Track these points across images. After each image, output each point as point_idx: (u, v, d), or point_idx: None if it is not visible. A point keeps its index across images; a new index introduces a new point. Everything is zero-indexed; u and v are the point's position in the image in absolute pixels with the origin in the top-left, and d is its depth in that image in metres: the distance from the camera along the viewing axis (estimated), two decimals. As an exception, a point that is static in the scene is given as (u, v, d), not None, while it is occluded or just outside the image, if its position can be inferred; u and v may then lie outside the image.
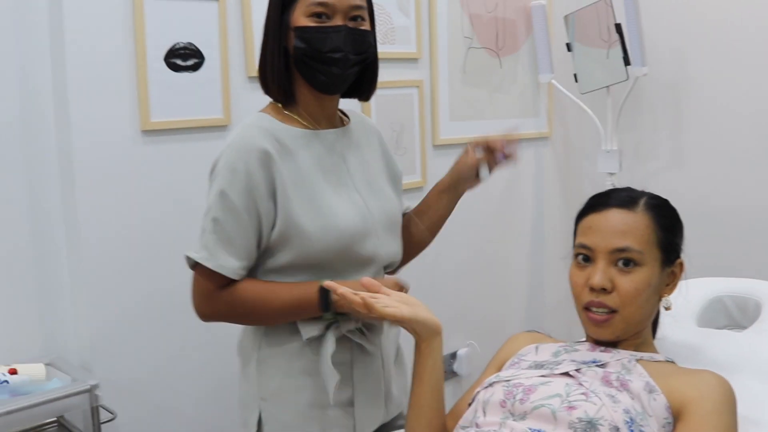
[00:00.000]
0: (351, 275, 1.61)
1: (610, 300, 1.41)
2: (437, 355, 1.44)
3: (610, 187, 3.03)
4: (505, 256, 3.31)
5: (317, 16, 1.55)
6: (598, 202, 1.50)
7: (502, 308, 3.30)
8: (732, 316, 1.89)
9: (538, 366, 1.44)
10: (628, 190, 1.53)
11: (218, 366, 2.33)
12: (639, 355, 1.44)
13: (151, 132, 2.17)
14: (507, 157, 1.74)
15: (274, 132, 1.57)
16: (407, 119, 2.82)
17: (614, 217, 1.45)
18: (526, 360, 1.49)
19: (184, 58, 2.19)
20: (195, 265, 1.57)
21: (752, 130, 2.98)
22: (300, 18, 1.55)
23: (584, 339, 1.56)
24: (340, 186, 1.63)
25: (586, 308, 1.45)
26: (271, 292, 1.57)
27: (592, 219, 1.48)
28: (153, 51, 2.14)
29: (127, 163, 2.15)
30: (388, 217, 1.69)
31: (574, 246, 1.51)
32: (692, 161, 3.17)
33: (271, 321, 1.62)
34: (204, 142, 2.26)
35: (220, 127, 2.29)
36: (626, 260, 1.41)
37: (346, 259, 1.60)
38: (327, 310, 1.54)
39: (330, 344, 1.59)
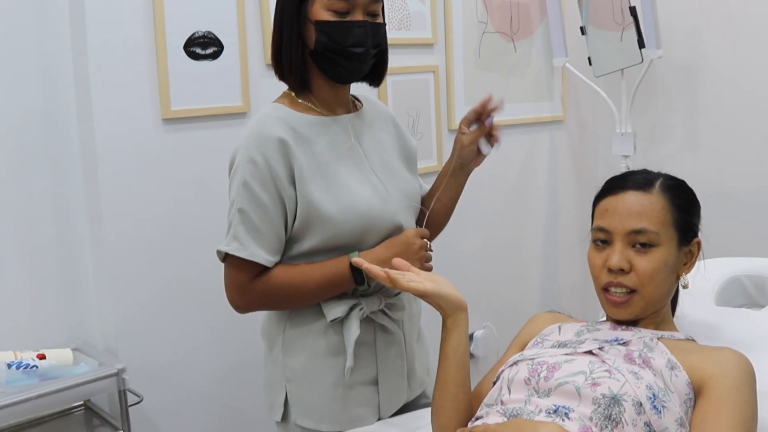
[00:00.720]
0: None
1: (629, 280, 1.43)
2: (462, 331, 1.46)
3: (625, 170, 3.06)
4: (520, 239, 3.33)
5: (337, 10, 1.57)
6: (615, 185, 1.52)
7: (517, 291, 3.33)
8: (750, 295, 1.91)
9: (562, 345, 1.46)
10: (644, 172, 1.54)
11: (242, 349, 2.37)
12: (660, 333, 1.46)
13: (171, 120, 2.20)
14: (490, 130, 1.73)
15: (289, 121, 1.60)
16: (423, 104, 2.84)
17: (630, 200, 1.46)
18: (550, 340, 1.51)
19: (203, 46, 2.22)
20: (225, 258, 1.60)
21: (765, 113, 2.98)
22: (320, 11, 1.57)
23: (604, 319, 1.58)
24: (357, 169, 1.65)
25: (605, 289, 1.47)
26: (304, 274, 1.60)
27: (609, 202, 1.49)
28: (173, 40, 2.16)
29: (148, 151, 2.18)
30: (407, 197, 1.72)
31: (592, 229, 1.53)
32: (707, 143, 3.18)
33: (308, 303, 1.64)
34: (224, 130, 2.29)
35: (239, 115, 2.31)
36: (643, 242, 1.43)
37: (369, 240, 1.63)
38: (362, 283, 1.58)
39: (354, 328, 1.62)
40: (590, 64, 3.11)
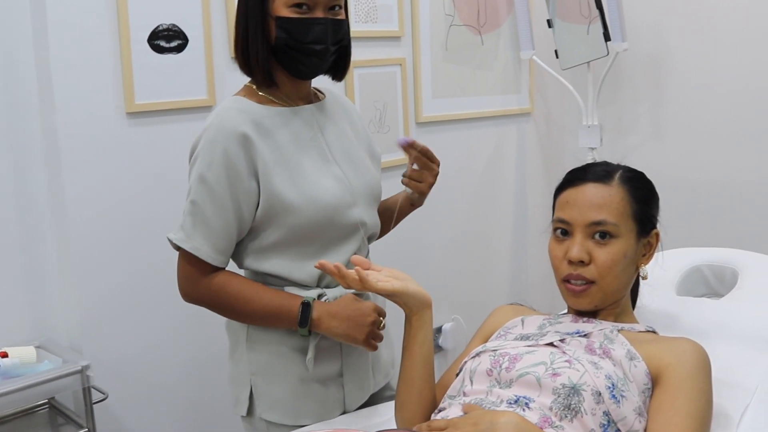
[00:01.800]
0: (338, 246, 1.65)
1: (588, 272, 1.45)
2: (428, 328, 1.48)
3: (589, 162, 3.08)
4: (489, 232, 3.34)
5: (298, 6, 1.56)
6: (575, 177, 1.54)
7: (486, 283, 3.34)
8: (710, 284, 1.94)
9: (524, 338, 1.48)
10: (604, 164, 1.56)
11: (208, 343, 2.36)
12: (620, 325, 1.48)
13: (136, 114, 2.19)
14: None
15: (250, 113, 1.59)
16: (390, 97, 2.84)
17: (590, 191, 1.48)
18: (512, 332, 1.53)
19: (167, 39, 2.20)
20: (179, 247, 1.60)
21: (730, 103, 3.02)
22: (281, 8, 1.56)
23: (566, 311, 1.60)
24: (320, 160, 1.65)
25: (565, 280, 1.49)
26: (254, 293, 1.60)
27: (569, 194, 1.51)
28: (136, 33, 2.14)
29: (112, 145, 2.16)
30: (369, 188, 1.72)
31: (553, 220, 1.55)
32: (672, 135, 3.21)
33: (248, 321, 1.65)
34: (189, 123, 2.27)
35: (204, 108, 2.30)
36: (602, 233, 1.45)
37: (332, 231, 1.63)
38: (305, 325, 1.57)
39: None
40: (557, 56, 3.13)
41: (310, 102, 1.71)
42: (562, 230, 1.50)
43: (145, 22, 2.16)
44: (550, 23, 3.12)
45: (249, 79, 1.68)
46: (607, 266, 1.44)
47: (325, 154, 1.67)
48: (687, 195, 3.13)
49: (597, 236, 1.45)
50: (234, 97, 1.64)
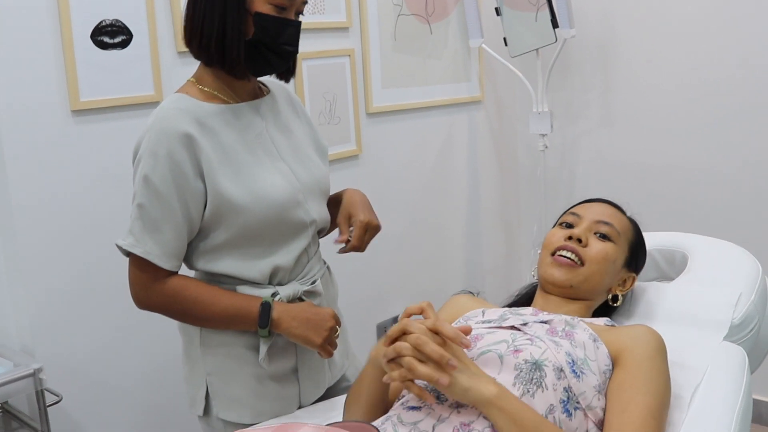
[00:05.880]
0: (288, 243, 1.64)
1: (582, 251, 1.56)
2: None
3: (543, 149, 3.12)
4: (442, 221, 3.36)
5: (279, 7, 1.55)
6: (592, 198, 1.72)
7: (440, 273, 3.36)
8: (660, 268, 1.96)
9: (486, 323, 1.49)
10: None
11: (164, 343, 2.33)
12: (580, 317, 1.52)
13: (81, 112, 2.15)
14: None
15: (193, 112, 1.55)
16: (340, 88, 2.83)
17: (604, 206, 1.67)
18: (473, 320, 1.54)
19: (111, 35, 2.17)
20: (128, 253, 1.57)
21: (678, 89, 3.06)
22: (260, 3, 1.54)
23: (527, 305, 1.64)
24: (266, 157, 1.63)
25: (555, 252, 1.57)
26: (212, 296, 1.58)
27: (584, 204, 1.69)
28: (79, 29, 2.10)
29: (57, 144, 2.12)
30: (317, 183, 1.71)
31: (562, 216, 1.68)
32: (621, 120, 3.25)
33: (207, 325, 1.63)
34: (136, 120, 2.24)
35: (151, 104, 2.26)
36: (604, 233, 1.59)
37: (281, 228, 1.62)
38: (265, 326, 1.56)
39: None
40: (506, 44, 3.14)
41: (255, 97, 1.69)
42: (568, 223, 1.63)
43: (88, 18, 2.12)
44: (498, 11, 3.13)
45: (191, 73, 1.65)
46: (600, 255, 1.56)
47: (272, 150, 1.65)
48: (636, 180, 3.17)
49: (599, 234, 1.59)
50: (175, 95, 1.61)
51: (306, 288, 1.67)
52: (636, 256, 1.66)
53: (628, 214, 1.70)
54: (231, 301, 1.58)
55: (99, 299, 2.23)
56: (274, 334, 1.60)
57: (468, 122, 3.40)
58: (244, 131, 1.62)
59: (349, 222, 1.73)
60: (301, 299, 1.66)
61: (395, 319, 3.15)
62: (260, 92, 1.72)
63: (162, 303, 1.59)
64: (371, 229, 1.73)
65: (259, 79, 1.71)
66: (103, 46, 2.16)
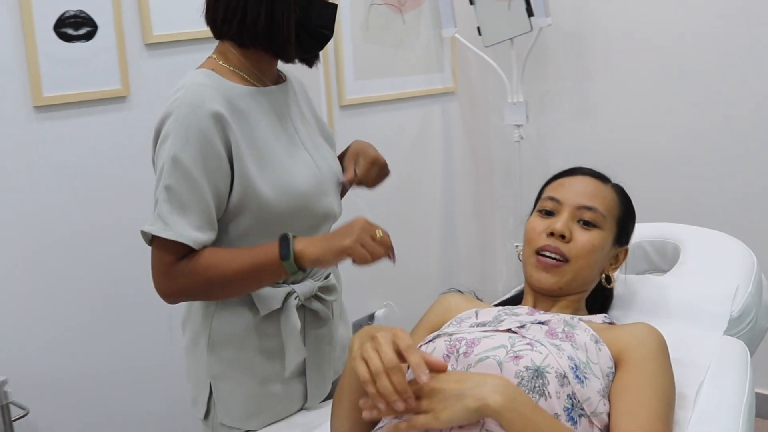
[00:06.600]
0: (307, 234, 1.54)
1: (566, 248, 1.46)
2: None
3: (519, 140, 3.07)
4: (416, 215, 3.30)
5: None
6: (572, 169, 1.59)
7: (416, 267, 3.29)
8: (652, 260, 1.92)
9: (480, 325, 1.43)
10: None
11: (131, 351, 2.28)
12: (579, 316, 1.46)
13: (44, 108, 2.06)
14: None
15: (224, 92, 1.47)
16: (312, 81, 2.73)
17: (586, 180, 1.54)
18: (467, 322, 1.47)
19: (75, 26, 2.07)
20: (152, 240, 1.46)
21: (654, 77, 3.03)
22: None
23: (521, 303, 1.57)
24: (291, 146, 1.57)
25: (538, 252, 1.47)
26: (231, 255, 1.47)
27: (564, 179, 1.56)
28: (41, 21, 2.01)
29: (19, 141, 2.03)
30: (333, 174, 1.66)
31: (540, 200, 1.57)
32: (598, 109, 3.22)
33: (235, 288, 1.50)
34: (103, 116, 2.16)
35: (118, 99, 2.19)
36: (588, 220, 1.48)
37: (303, 220, 1.55)
38: (287, 256, 1.43)
39: (294, 319, 1.55)
40: (480, 34, 3.09)
41: (278, 82, 1.62)
42: (548, 211, 1.51)
43: (50, 9, 2.03)
44: (471, 0, 3.07)
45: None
46: (586, 248, 1.46)
47: (295, 139, 1.59)
48: (614, 171, 3.11)
49: (582, 221, 1.48)
50: (201, 71, 1.51)
51: (320, 284, 1.62)
52: (625, 229, 1.56)
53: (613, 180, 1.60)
54: (251, 252, 1.47)
55: (64, 307, 2.14)
56: (305, 272, 1.49)
57: (442, 113, 3.34)
58: (272, 116, 1.55)
59: (356, 161, 1.69)
60: (317, 297, 1.61)
61: (371, 317, 3.09)
62: (280, 79, 1.65)
63: (186, 282, 1.46)
64: (380, 167, 1.69)
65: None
66: (67, 38, 2.06)
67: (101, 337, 2.22)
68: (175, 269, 1.45)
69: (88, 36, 2.10)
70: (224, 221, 1.51)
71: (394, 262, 1.52)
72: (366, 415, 1.16)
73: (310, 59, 1.64)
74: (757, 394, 2.92)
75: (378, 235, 1.46)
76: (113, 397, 2.26)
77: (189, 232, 1.43)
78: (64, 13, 2.05)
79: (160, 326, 2.28)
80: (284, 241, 1.45)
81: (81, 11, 2.08)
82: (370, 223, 1.47)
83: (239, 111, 1.48)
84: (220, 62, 1.54)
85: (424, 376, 1.12)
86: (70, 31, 2.07)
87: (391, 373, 1.12)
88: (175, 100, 1.44)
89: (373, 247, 1.46)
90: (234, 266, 1.46)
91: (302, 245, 1.45)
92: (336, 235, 1.47)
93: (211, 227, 1.47)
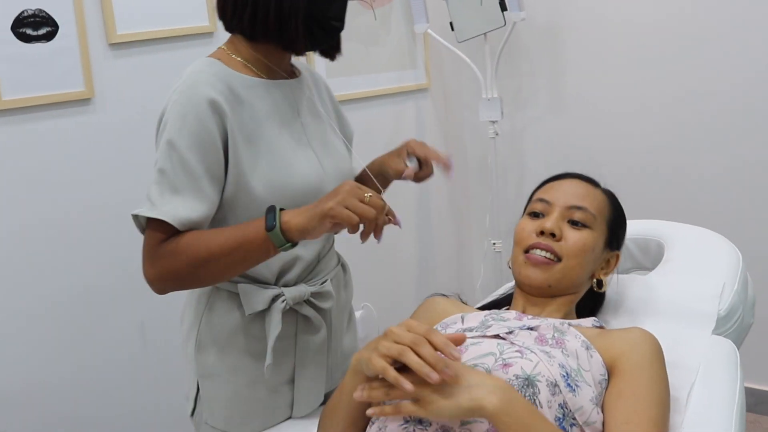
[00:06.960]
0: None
1: (556, 247, 1.43)
2: None
3: (494, 136, 3.02)
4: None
5: None
6: (561, 174, 1.58)
7: (393, 268, 3.25)
8: (635, 258, 1.89)
9: (467, 331, 1.38)
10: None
11: (102, 365, 2.22)
12: (569, 321, 1.41)
13: (3, 111, 2.00)
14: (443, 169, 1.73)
15: (225, 79, 1.44)
16: (284, 79, 2.69)
17: (576, 183, 1.53)
18: (453, 328, 1.43)
19: (34, 26, 2.01)
20: (144, 228, 1.41)
21: (630, 71, 3.00)
22: None
23: (508, 307, 1.53)
24: (295, 142, 1.53)
25: (528, 250, 1.45)
26: (215, 231, 1.41)
27: (554, 183, 1.55)
28: (-3, 21, 1.94)
29: (-21, 147, 1.96)
30: (342, 176, 1.61)
31: (530, 202, 1.55)
32: (572, 105, 3.18)
33: (221, 266, 1.41)
34: (66, 119, 2.10)
35: (82, 101, 2.13)
36: (578, 220, 1.46)
37: None
38: (272, 227, 1.34)
39: (276, 322, 1.50)
40: (452, 29, 3.04)
41: (289, 77, 1.58)
42: (537, 212, 1.49)
43: (8, 8, 1.97)
44: (443, -5, 3.03)
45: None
46: (577, 247, 1.44)
47: (301, 136, 1.54)
48: (590, 167, 3.05)
49: (572, 221, 1.46)
50: (206, 59, 1.49)
51: (315, 289, 1.56)
52: (616, 233, 1.55)
53: (602, 185, 1.58)
54: (237, 227, 1.40)
55: (33, 321, 2.08)
56: (291, 244, 1.37)
57: (415, 111, 3.30)
58: (278, 110, 1.51)
59: (402, 156, 1.68)
60: (308, 302, 1.56)
61: (348, 319, 3.04)
62: (293, 73, 1.61)
63: (169, 263, 1.39)
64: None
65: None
66: (26, 38, 2.00)
67: (73, 353, 2.17)
68: (159, 250, 1.39)
69: (49, 36, 2.04)
70: (216, 220, 1.47)
71: (398, 224, 1.46)
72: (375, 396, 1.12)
73: (330, 52, 1.62)
74: (745, 389, 2.92)
75: (367, 197, 1.36)
76: (86, 416, 2.20)
77: (175, 211, 1.37)
78: (22, 13, 1.99)
79: (132, 334, 2.22)
80: (270, 212, 1.38)
81: (40, 10, 2.01)
82: (358, 186, 1.37)
83: (240, 101, 1.45)
84: (230, 53, 1.51)
85: (456, 353, 1.09)
86: (29, 32, 2.00)
87: (422, 345, 1.08)
88: (175, 89, 1.43)
89: (361, 208, 1.34)
90: (218, 241, 1.39)
91: (289, 216, 1.37)
92: (321, 200, 1.37)
93: (206, 209, 1.41)
